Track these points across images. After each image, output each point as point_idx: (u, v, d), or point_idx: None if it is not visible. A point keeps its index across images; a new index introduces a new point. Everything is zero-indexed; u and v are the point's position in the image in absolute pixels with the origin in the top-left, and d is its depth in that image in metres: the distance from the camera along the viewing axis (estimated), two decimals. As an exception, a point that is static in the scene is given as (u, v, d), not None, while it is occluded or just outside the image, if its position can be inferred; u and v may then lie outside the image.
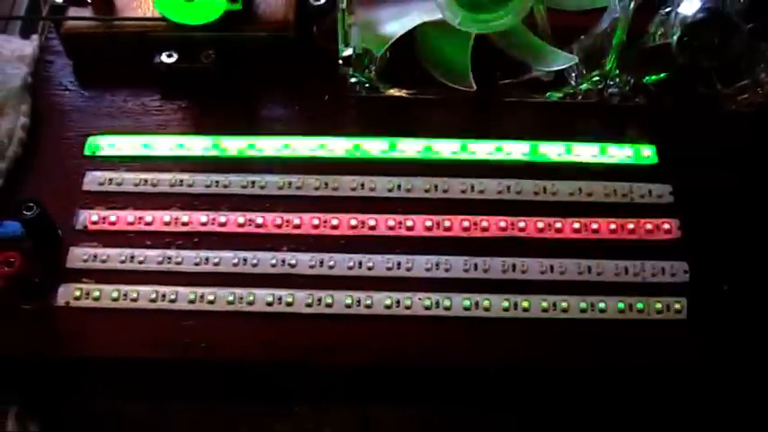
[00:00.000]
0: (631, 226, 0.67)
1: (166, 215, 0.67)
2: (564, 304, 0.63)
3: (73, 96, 0.74)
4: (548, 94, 0.72)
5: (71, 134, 0.71)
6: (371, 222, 0.66)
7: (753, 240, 0.66)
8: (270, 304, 0.63)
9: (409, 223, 0.66)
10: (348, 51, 0.69)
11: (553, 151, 0.70)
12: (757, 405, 0.65)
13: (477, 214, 0.67)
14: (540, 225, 0.66)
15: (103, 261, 0.65)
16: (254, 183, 0.68)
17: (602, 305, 0.63)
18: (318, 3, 0.73)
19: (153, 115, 0.72)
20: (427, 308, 0.63)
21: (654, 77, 0.71)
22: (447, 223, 0.66)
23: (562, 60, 0.70)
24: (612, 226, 0.67)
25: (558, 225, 0.66)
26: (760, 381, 0.63)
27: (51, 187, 0.68)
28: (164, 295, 0.64)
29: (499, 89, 0.72)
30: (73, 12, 0.73)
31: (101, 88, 0.74)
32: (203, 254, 0.65)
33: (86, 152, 0.70)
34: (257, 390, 0.69)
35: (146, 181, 0.69)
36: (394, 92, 0.73)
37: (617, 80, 0.71)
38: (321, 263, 0.65)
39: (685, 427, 0.70)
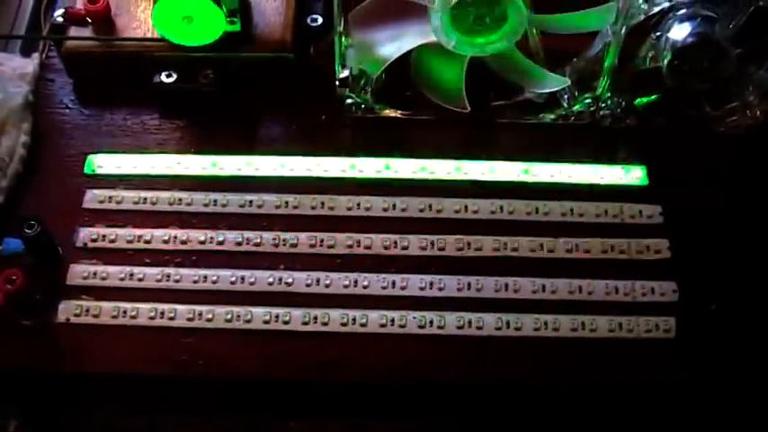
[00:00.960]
0: (622, 246, 0.68)
1: (165, 233, 0.68)
2: (555, 323, 0.65)
3: (73, 115, 0.75)
4: (540, 115, 0.73)
5: (71, 152, 0.72)
6: (367, 242, 0.67)
7: (741, 261, 0.67)
8: (267, 322, 0.64)
9: (404, 243, 0.67)
10: (345, 73, 0.70)
11: (545, 172, 0.71)
12: (743, 423, 0.66)
13: (470, 234, 0.68)
14: (533, 245, 0.68)
15: (103, 278, 0.66)
16: (251, 202, 0.69)
17: (592, 324, 0.65)
18: (315, 24, 0.75)
19: (152, 134, 0.73)
20: (421, 326, 0.64)
21: (644, 100, 0.72)
22: (441, 243, 0.67)
23: (555, 83, 0.71)
24: (603, 246, 0.68)
25: (550, 245, 0.68)
26: (746, 399, 0.64)
27: (52, 205, 0.69)
28: (162, 313, 0.64)
29: (493, 110, 0.73)
30: (74, 31, 0.74)
31: (101, 107, 0.75)
32: (201, 272, 0.66)
33: (86, 170, 0.71)
34: (253, 405, 0.70)
35: (145, 199, 0.69)
36: (389, 113, 0.74)
37: (608, 102, 0.72)
38: (317, 281, 0.66)
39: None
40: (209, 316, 0.64)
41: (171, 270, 0.66)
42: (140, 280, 0.66)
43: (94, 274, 0.66)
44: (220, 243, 0.67)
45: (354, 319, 0.64)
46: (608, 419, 0.69)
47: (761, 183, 0.71)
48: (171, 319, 0.64)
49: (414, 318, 0.64)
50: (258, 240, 0.67)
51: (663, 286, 0.66)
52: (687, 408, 0.66)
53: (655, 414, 0.67)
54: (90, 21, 0.74)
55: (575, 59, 0.72)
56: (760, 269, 0.67)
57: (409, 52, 0.69)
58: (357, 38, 0.69)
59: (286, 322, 0.64)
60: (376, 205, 0.69)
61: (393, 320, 0.64)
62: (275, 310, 0.65)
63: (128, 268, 0.66)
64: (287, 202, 0.69)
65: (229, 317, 0.64)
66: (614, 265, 0.67)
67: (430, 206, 0.69)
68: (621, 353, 0.64)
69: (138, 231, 0.68)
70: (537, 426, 0.70)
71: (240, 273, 0.66)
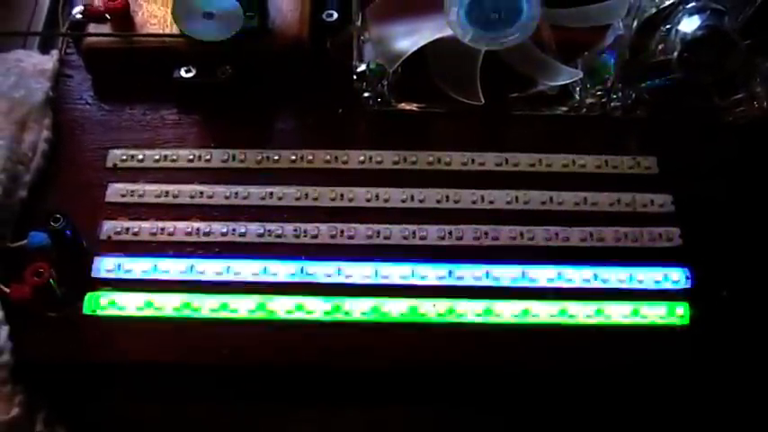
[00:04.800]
0: (634, 234, 0.69)
1: (187, 226, 0.69)
2: (571, 310, 0.66)
3: (93, 110, 0.75)
4: (553, 107, 0.75)
5: (92, 147, 0.73)
6: (386, 232, 0.69)
7: (751, 247, 0.69)
8: (290, 312, 0.65)
9: (422, 233, 0.69)
10: (362, 67, 0.71)
11: (559, 162, 0.73)
12: (757, 410, 0.67)
13: (487, 224, 0.69)
14: (548, 234, 0.69)
15: (127, 271, 0.67)
16: (271, 194, 0.70)
17: (606, 311, 0.66)
18: (331, 19, 0.76)
19: (171, 128, 0.74)
20: (440, 314, 0.66)
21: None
22: (458, 233, 0.69)
23: (567, 75, 0.72)
24: (616, 234, 0.69)
25: (565, 234, 0.69)
26: (760, 385, 0.66)
27: (74, 199, 0.70)
28: (186, 303, 0.66)
29: (506, 103, 0.75)
30: (93, 28, 0.75)
31: (120, 102, 0.76)
32: (224, 263, 0.67)
33: (107, 164, 0.72)
34: (273, 393, 0.71)
35: (167, 193, 0.70)
36: (405, 106, 0.75)
37: (619, 94, 0.74)
38: (338, 271, 0.67)
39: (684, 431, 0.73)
40: (234, 306, 0.65)
41: (194, 262, 0.67)
42: (164, 272, 0.67)
43: (119, 266, 0.67)
44: (242, 235, 0.69)
45: (376, 309, 0.66)
46: (620, 405, 0.70)
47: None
48: (195, 310, 0.65)
49: (433, 306, 0.66)
50: (279, 232, 0.69)
51: (675, 273, 0.67)
52: (700, 394, 0.67)
53: (667, 400, 0.68)
54: (109, 17, 0.75)
55: (587, 53, 0.73)
56: (770, 255, 0.68)
57: (425, 45, 0.70)
58: (374, 32, 0.70)
59: (309, 312, 0.65)
60: (394, 197, 0.70)
61: (413, 309, 0.66)
62: (298, 300, 0.66)
63: (151, 260, 0.67)
64: (307, 194, 0.70)
65: (253, 306, 0.65)
66: (628, 252, 0.69)
67: (447, 197, 0.70)
68: (635, 339, 0.65)
69: (160, 224, 0.69)
70: (551, 410, 0.71)
71: (262, 264, 0.67)
